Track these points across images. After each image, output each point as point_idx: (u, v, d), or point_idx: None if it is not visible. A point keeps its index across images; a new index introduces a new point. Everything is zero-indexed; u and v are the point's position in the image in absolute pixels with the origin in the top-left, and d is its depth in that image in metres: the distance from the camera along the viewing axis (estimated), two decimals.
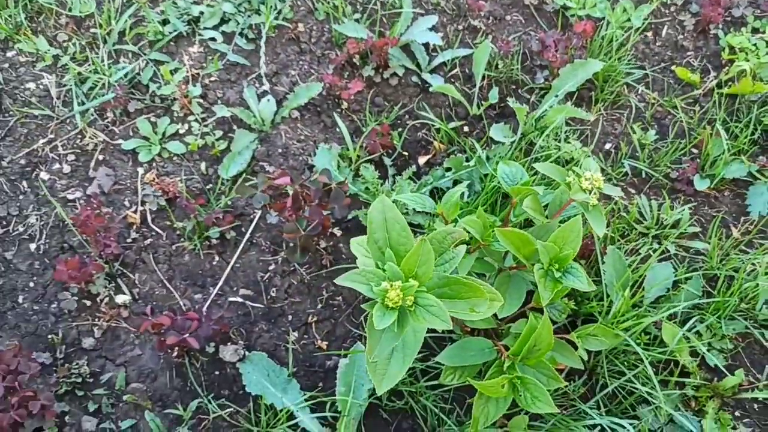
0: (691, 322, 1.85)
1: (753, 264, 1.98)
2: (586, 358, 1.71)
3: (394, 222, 1.29)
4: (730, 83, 2.31)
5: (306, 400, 1.80)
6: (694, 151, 2.25)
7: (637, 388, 1.76)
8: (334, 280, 1.25)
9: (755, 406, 1.87)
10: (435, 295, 1.23)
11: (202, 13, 2.49)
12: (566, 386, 1.80)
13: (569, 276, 1.54)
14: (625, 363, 1.82)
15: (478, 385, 1.54)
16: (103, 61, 2.40)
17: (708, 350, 1.87)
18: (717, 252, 2.00)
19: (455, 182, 2.13)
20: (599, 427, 1.71)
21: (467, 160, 2.15)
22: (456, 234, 1.36)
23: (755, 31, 2.42)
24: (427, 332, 1.86)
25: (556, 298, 1.72)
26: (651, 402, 1.77)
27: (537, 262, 1.55)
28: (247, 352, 1.91)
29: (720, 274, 1.95)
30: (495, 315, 1.69)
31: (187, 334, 1.78)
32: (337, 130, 2.29)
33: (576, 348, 1.75)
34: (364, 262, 1.44)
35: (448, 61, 2.44)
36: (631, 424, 1.72)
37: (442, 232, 1.36)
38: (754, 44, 2.35)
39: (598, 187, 1.62)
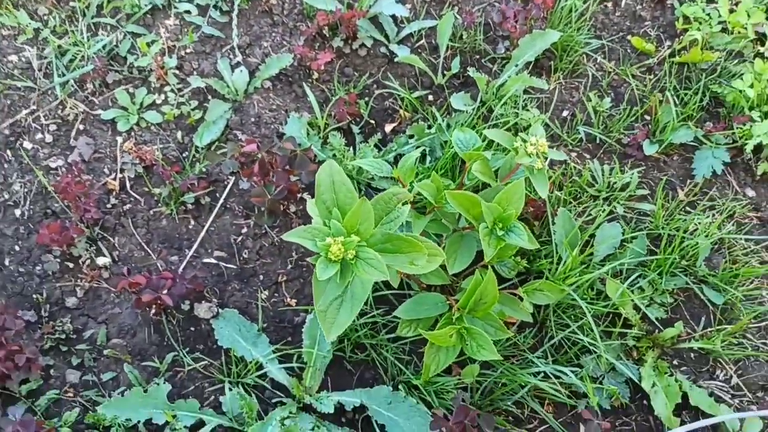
0: (634, 277, 1.96)
1: (695, 224, 2.07)
2: (531, 311, 1.81)
3: (341, 184, 1.37)
4: (682, 52, 2.38)
5: (274, 352, 1.91)
6: (647, 117, 2.33)
7: (581, 339, 1.87)
8: (282, 236, 1.34)
9: (692, 355, 1.98)
10: (378, 250, 1.32)
11: None
12: (515, 337, 1.90)
13: (512, 234, 1.63)
14: (572, 317, 1.92)
15: (428, 335, 1.65)
16: (82, 33, 2.45)
17: (649, 304, 1.97)
18: (662, 213, 2.09)
19: (418, 149, 2.20)
20: (543, 374, 1.82)
21: (429, 128, 2.22)
22: (401, 195, 1.45)
23: (710, 0, 2.48)
24: (388, 289, 1.97)
25: (504, 255, 1.82)
26: (594, 351, 1.88)
27: (482, 222, 1.64)
28: (220, 310, 2.00)
29: (664, 233, 2.05)
30: (445, 270, 1.79)
31: (163, 293, 1.88)
32: (308, 99, 2.35)
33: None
34: (317, 221, 1.53)
35: (415, 32, 2.50)
36: (574, 372, 1.83)
37: (388, 193, 1.44)
38: (708, 14, 2.41)
39: (542, 151, 1.70)
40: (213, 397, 1.90)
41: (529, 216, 2.07)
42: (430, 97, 2.39)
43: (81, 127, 2.31)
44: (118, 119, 2.31)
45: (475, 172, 1.75)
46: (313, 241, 1.25)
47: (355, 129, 2.31)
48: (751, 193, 2.22)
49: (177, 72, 2.41)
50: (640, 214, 2.15)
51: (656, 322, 1.97)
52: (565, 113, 2.35)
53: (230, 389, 1.85)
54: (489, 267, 1.73)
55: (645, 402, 1.90)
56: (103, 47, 2.42)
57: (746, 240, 2.10)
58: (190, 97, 2.37)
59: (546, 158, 1.71)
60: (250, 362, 1.89)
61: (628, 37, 2.46)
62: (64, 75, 2.37)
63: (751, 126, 2.15)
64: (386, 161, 2.17)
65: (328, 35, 2.49)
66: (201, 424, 1.80)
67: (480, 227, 1.63)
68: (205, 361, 1.94)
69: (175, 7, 2.52)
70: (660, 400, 1.83)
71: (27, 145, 2.26)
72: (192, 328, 2.00)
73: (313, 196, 2.21)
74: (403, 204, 1.46)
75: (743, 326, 1.93)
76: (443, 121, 2.21)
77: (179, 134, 2.31)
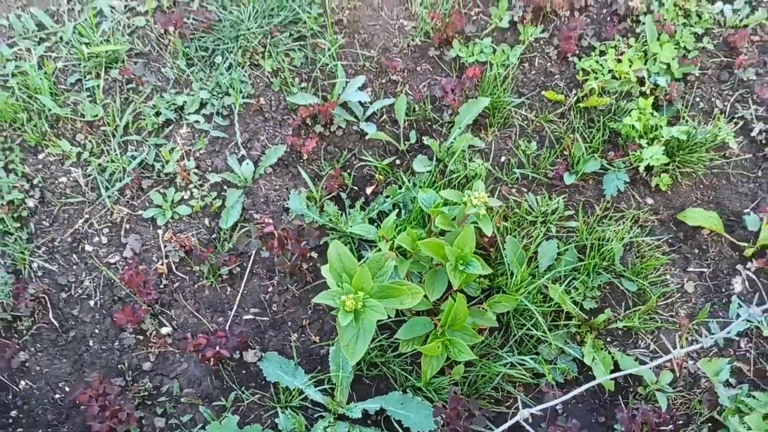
0: (569, 280, 2.53)
1: (610, 232, 2.65)
2: (495, 318, 2.37)
3: (345, 255, 1.93)
4: (585, 98, 2.97)
5: (310, 380, 2.44)
6: (565, 153, 2.91)
7: (535, 333, 2.43)
8: (312, 300, 1.88)
9: (619, 332, 2.55)
10: (376, 298, 1.87)
11: (185, 102, 3.08)
12: (486, 340, 2.46)
13: (470, 267, 2.19)
14: (528, 317, 2.48)
15: (422, 348, 2.20)
16: (115, 151, 2.99)
17: (584, 299, 2.54)
18: (584, 227, 2.67)
19: (394, 205, 2.76)
20: (511, 364, 2.38)
21: (400, 188, 2.79)
22: (387, 254, 2.00)
23: (602, 53, 3.07)
24: (389, 319, 2.52)
25: (469, 280, 2.37)
26: (546, 341, 2.44)
27: (447, 261, 2.20)
28: (263, 354, 2.54)
29: (588, 243, 2.63)
30: (427, 298, 2.34)
31: (220, 348, 2.42)
32: (302, 177, 2.91)
33: None
34: (331, 283, 2.08)
35: (377, 110, 3.07)
36: (533, 359, 2.39)
37: (378, 255, 2.00)
38: (601, 65, 3.00)
39: (484, 201, 2.27)
40: (270, 420, 2.44)
41: (486, 245, 2.63)
42: (398, 162, 2.96)
43: (128, 226, 2.84)
44: (156, 216, 2.85)
45: (438, 224, 2.31)
46: (333, 300, 1.80)
47: (344, 195, 2.86)
48: (650, 201, 2.81)
49: (196, 171, 2.95)
50: (568, 231, 2.72)
51: (589, 312, 2.54)
52: (502, 159, 2.93)
53: (282, 412, 2.39)
54: (459, 292, 2.29)
55: (590, 373, 2.46)
56: (136, 161, 2.96)
57: (650, 239, 2.69)
58: (209, 189, 2.92)
59: (487, 206, 2.27)
60: (293, 390, 2.43)
61: (543, 91, 3.05)
62: (108, 188, 2.91)
63: (641, 151, 2.74)
64: (370, 218, 2.74)
65: (310, 123, 3.05)
66: None
67: (447, 265, 2.19)
68: (258, 395, 2.48)
69: (186, 119, 3.07)
70: (599, 369, 2.39)
71: (88, 247, 2.79)
72: (244, 371, 2.53)
73: (318, 254, 2.77)
74: (389, 260, 2.02)
75: (653, 305, 2.50)
76: (409, 181, 2.78)
77: (207, 221, 2.85)
